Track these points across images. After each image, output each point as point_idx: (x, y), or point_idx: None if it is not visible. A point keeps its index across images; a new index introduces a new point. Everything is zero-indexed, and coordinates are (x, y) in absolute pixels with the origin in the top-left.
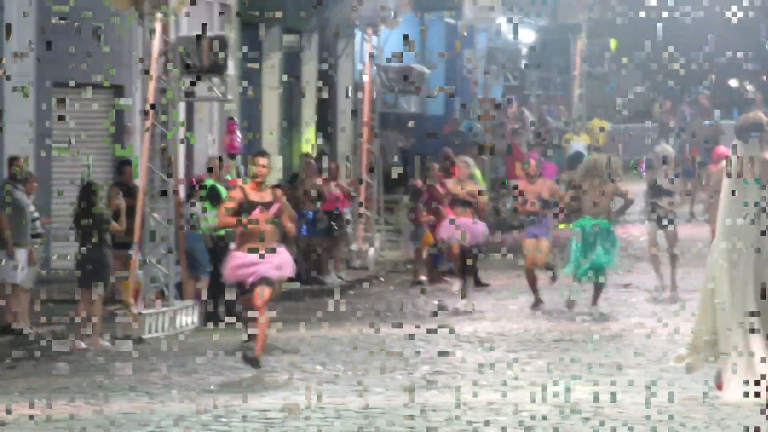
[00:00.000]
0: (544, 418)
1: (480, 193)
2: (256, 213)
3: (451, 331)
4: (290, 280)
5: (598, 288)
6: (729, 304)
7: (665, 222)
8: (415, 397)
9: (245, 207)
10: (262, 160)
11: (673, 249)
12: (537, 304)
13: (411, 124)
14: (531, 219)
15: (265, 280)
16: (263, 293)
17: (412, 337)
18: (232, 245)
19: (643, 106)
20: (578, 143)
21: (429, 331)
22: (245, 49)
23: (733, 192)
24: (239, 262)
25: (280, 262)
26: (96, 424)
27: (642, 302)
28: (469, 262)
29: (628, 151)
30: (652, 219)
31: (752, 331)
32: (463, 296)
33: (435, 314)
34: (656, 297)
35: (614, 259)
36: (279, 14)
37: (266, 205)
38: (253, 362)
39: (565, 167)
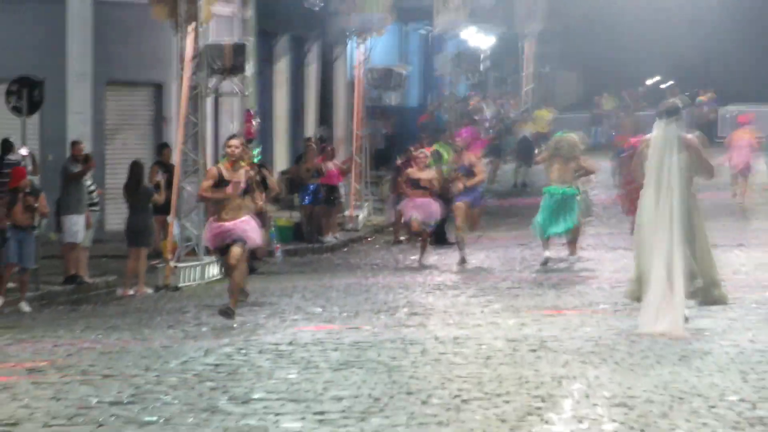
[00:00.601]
0: (499, 349)
1: (432, 181)
2: (228, 189)
3: (424, 281)
4: (296, 239)
5: (572, 242)
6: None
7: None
8: (396, 333)
9: (221, 184)
10: (232, 142)
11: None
12: (462, 262)
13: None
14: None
15: (235, 242)
16: (235, 252)
17: (393, 285)
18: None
19: (578, 99)
20: (526, 130)
21: (407, 280)
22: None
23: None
24: (214, 232)
25: (247, 229)
26: (142, 356)
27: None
28: (425, 234)
29: None
30: None
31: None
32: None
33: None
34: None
35: (575, 219)
36: (288, 25)
37: (238, 184)
38: (226, 313)
39: (515, 149)
